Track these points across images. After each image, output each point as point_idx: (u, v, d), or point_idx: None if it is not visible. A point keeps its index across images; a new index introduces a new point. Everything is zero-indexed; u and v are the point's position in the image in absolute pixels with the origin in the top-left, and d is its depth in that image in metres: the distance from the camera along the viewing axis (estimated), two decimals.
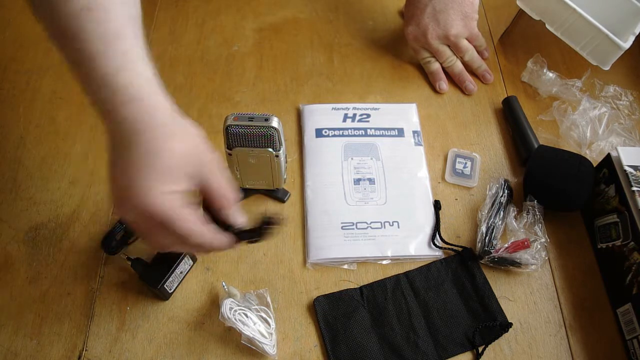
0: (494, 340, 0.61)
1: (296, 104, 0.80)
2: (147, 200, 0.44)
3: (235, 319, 0.57)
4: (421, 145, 0.76)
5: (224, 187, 0.49)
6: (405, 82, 0.83)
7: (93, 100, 0.46)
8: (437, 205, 0.70)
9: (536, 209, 0.66)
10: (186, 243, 0.47)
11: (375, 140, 0.75)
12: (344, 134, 0.75)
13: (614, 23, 0.76)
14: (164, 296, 0.62)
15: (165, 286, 0.60)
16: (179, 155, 0.45)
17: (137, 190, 0.44)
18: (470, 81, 0.82)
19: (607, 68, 0.76)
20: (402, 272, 0.66)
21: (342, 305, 0.63)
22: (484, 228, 0.65)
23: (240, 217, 0.51)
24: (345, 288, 0.64)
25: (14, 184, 0.71)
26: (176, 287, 0.63)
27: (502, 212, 0.66)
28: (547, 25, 0.78)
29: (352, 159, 0.73)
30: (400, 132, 0.76)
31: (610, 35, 0.72)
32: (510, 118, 0.78)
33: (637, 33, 0.75)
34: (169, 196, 0.45)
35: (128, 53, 0.46)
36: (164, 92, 0.48)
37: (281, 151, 0.62)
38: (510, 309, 0.64)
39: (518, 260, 0.64)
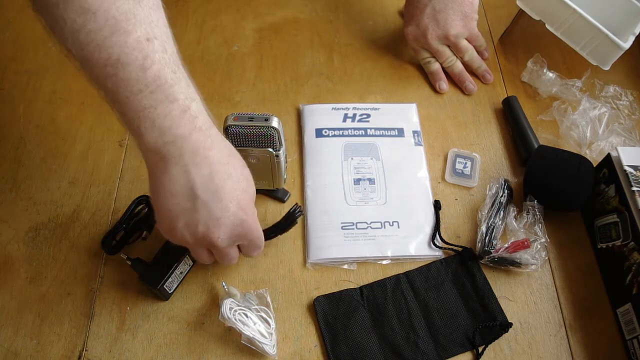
0: (494, 340, 0.61)
1: (296, 104, 0.80)
2: (252, 225, 0.54)
3: (235, 319, 0.57)
4: (421, 145, 0.76)
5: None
6: (405, 82, 0.83)
7: (143, 134, 0.47)
8: (437, 205, 0.70)
9: (536, 209, 0.66)
10: (252, 249, 0.57)
11: (375, 140, 0.75)
12: (344, 134, 0.75)
13: (614, 23, 0.76)
14: (164, 296, 0.62)
15: (165, 286, 0.60)
16: (247, 179, 0.53)
17: (245, 217, 0.52)
18: (470, 81, 0.82)
19: (607, 68, 0.76)
20: (402, 272, 0.66)
21: (342, 305, 0.63)
22: (484, 228, 0.65)
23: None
24: (345, 288, 0.64)
25: (14, 184, 0.71)
26: (176, 287, 0.63)
27: (502, 212, 0.66)
28: (547, 25, 0.78)
29: (352, 159, 0.73)
30: (400, 132, 0.76)
31: (610, 35, 0.72)
32: (510, 118, 0.78)
33: (637, 33, 0.75)
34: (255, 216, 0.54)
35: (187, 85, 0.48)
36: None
37: (281, 151, 0.62)
38: (510, 309, 0.64)
39: (518, 260, 0.64)
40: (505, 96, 0.80)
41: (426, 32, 0.79)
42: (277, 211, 0.69)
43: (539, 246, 0.64)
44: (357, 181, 0.71)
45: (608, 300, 0.64)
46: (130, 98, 0.45)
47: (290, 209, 0.63)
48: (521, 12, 0.82)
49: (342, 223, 0.68)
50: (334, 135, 0.75)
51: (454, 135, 0.78)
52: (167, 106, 0.46)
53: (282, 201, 0.70)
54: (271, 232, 0.64)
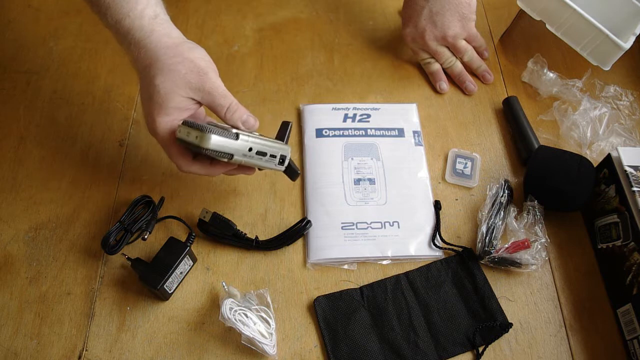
0: (494, 340, 0.61)
1: (296, 104, 0.80)
2: (152, 129, 0.58)
3: (235, 319, 0.57)
4: (421, 145, 0.76)
5: (219, 88, 0.58)
6: (406, 82, 0.83)
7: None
8: (437, 206, 0.70)
9: (536, 209, 0.66)
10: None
11: (376, 140, 0.75)
12: (344, 134, 0.75)
13: (614, 23, 0.76)
14: (164, 296, 0.62)
15: (165, 286, 0.60)
16: (171, 87, 0.56)
17: (147, 119, 0.59)
18: (470, 81, 0.82)
19: (607, 68, 0.76)
20: (402, 272, 0.66)
21: (342, 305, 0.63)
22: (484, 228, 0.65)
23: (244, 117, 0.59)
24: (346, 288, 0.64)
25: (14, 184, 0.71)
26: (176, 288, 0.63)
27: (502, 213, 0.66)
28: (547, 26, 0.78)
29: (352, 159, 0.73)
30: (401, 132, 0.76)
31: (611, 35, 0.72)
32: (510, 118, 0.78)
33: (638, 33, 0.75)
34: (164, 126, 0.57)
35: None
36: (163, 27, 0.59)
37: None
38: (510, 309, 0.64)
39: (518, 261, 0.64)
40: (506, 96, 0.80)
41: (424, 34, 0.80)
42: (276, 211, 0.70)
43: (539, 246, 0.64)
44: (357, 181, 0.71)
45: (608, 300, 0.64)
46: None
47: (300, 222, 0.64)
48: (521, 12, 0.82)
49: (342, 223, 0.68)
50: (334, 136, 0.75)
51: (454, 135, 0.78)
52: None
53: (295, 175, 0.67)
54: (276, 243, 0.65)
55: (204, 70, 0.57)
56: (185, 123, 0.56)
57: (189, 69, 0.57)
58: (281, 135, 0.64)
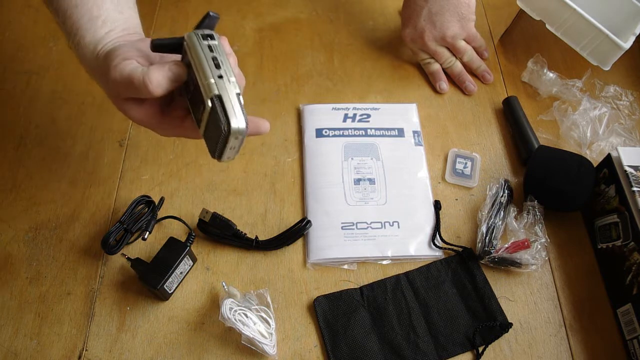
0: (494, 340, 0.61)
1: (296, 104, 0.80)
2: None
3: (235, 319, 0.57)
4: (421, 145, 0.76)
5: (123, 73, 0.49)
6: (406, 82, 0.83)
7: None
8: (437, 206, 0.70)
9: (536, 209, 0.66)
10: None
11: (376, 140, 0.75)
12: (344, 134, 0.75)
13: (614, 23, 0.76)
14: (164, 296, 0.62)
15: (165, 286, 0.60)
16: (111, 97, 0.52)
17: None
18: (470, 81, 0.82)
19: (607, 68, 0.76)
20: (402, 272, 0.66)
21: (342, 305, 0.63)
22: (484, 228, 0.65)
23: (169, 75, 0.47)
24: (345, 288, 0.64)
25: (14, 184, 0.71)
26: (176, 288, 0.63)
27: (502, 213, 0.66)
28: (547, 25, 0.78)
29: (352, 159, 0.73)
30: (401, 132, 0.76)
31: (611, 35, 0.72)
32: (510, 118, 0.78)
33: (637, 33, 0.75)
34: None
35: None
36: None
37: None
38: (510, 309, 0.64)
39: (518, 261, 0.64)
40: (506, 96, 0.80)
41: (423, 34, 0.80)
42: (276, 211, 0.70)
43: (539, 246, 0.64)
44: (357, 181, 0.71)
45: (608, 300, 0.64)
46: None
47: (300, 221, 0.65)
48: (521, 12, 0.82)
49: (342, 223, 0.68)
50: (334, 135, 0.75)
51: (454, 135, 0.78)
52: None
53: None
54: (276, 243, 0.65)
55: (106, 70, 0.50)
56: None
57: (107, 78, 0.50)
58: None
